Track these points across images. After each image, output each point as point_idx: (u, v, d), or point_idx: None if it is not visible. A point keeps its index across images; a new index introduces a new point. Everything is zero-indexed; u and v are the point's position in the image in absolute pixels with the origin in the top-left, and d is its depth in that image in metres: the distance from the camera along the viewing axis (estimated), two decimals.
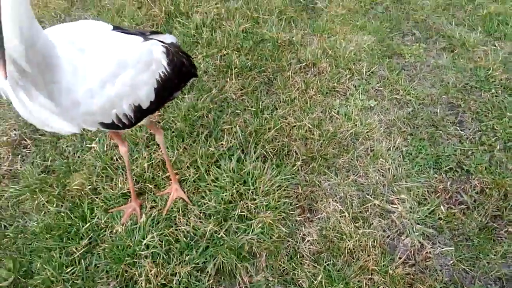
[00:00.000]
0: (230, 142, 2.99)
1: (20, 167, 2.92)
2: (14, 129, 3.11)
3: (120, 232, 2.54)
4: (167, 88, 2.12)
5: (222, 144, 2.98)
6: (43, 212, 2.66)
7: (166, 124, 3.08)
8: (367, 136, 3.07)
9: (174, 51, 2.20)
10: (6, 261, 2.44)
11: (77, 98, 1.66)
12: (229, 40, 3.70)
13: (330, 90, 3.38)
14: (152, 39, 2.07)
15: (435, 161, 2.94)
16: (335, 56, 3.60)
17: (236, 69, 3.49)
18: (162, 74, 2.04)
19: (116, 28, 1.98)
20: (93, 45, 1.74)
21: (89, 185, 2.75)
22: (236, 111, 3.22)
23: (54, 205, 2.67)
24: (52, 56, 1.54)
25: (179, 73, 2.22)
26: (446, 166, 2.91)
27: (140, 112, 1.98)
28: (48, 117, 1.68)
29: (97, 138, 3.00)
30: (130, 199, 2.68)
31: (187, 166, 2.86)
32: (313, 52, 3.62)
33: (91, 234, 2.54)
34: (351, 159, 2.95)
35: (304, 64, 3.56)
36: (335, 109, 3.24)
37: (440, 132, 3.13)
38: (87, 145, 2.99)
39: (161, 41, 2.14)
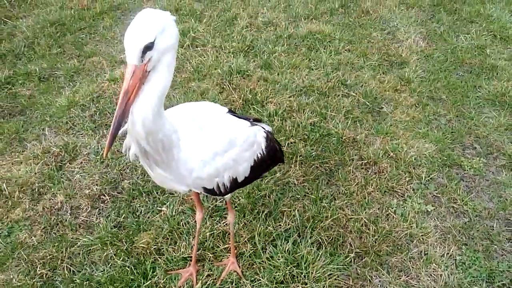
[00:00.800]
0: (288, 224, 3.15)
1: (96, 219, 3.20)
2: (96, 185, 3.44)
3: None
4: (260, 167, 2.42)
5: (280, 225, 3.16)
6: (109, 264, 2.88)
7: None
8: (421, 239, 3.13)
9: (271, 137, 2.54)
10: None
11: (192, 167, 1.97)
12: (297, 130, 3.99)
13: (388, 190, 3.52)
14: (256, 124, 2.42)
15: (488, 275, 2.93)
16: (396, 158, 3.77)
17: (301, 157, 3.74)
18: (259, 155, 2.35)
19: (229, 111, 2.35)
20: (211, 123, 2.09)
21: (154, 245, 2.97)
22: (297, 196, 3.41)
23: (121, 259, 2.88)
24: (172, 140, 1.83)
25: (272, 157, 2.54)
26: (499, 281, 2.89)
27: (234, 184, 2.25)
28: (165, 181, 2.02)
29: (168, 203, 3.26)
30: (189, 263, 2.86)
31: (245, 241, 3.03)
32: (375, 151, 3.82)
33: None
34: (404, 259, 3.01)
35: (365, 161, 3.74)
36: (392, 208, 3.36)
37: (495, 246, 3.14)
38: (158, 208, 3.25)
39: (263, 128, 2.48)
